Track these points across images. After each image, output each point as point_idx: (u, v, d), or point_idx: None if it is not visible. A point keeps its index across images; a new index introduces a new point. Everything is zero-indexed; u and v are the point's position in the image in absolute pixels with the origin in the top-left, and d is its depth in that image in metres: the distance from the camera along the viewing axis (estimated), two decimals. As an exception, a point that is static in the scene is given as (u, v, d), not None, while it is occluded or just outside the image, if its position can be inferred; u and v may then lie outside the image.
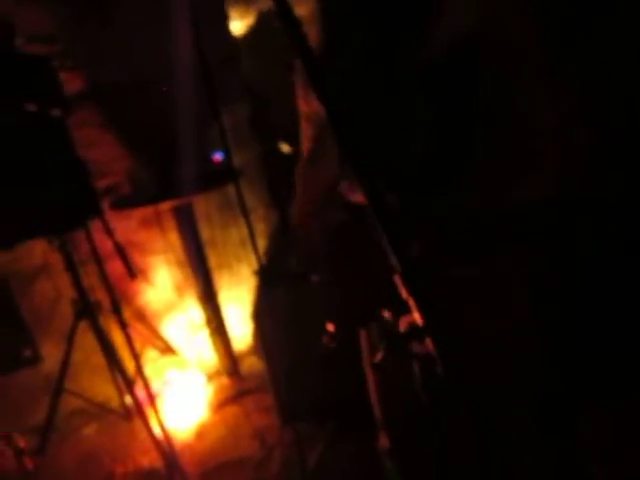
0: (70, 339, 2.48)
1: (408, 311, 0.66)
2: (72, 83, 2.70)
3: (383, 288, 0.72)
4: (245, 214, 2.87)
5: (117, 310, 2.10)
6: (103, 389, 2.84)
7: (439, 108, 0.87)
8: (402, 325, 0.70)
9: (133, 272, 2.14)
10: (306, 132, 1.15)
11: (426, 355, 0.65)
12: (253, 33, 3.52)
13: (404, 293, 0.65)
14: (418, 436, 0.97)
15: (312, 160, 1.11)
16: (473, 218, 0.88)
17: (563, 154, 0.85)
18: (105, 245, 2.39)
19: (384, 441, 1.12)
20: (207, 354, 3.08)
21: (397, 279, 0.65)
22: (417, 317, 0.64)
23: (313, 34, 1.05)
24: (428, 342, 0.62)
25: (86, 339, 2.53)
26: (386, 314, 0.78)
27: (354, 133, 0.73)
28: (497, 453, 0.72)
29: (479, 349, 0.90)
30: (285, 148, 3.31)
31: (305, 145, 1.14)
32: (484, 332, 0.94)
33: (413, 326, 0.65)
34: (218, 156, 2.80)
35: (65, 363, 2.50)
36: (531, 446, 1.08)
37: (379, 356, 0.72)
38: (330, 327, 1.00)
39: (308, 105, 1.11)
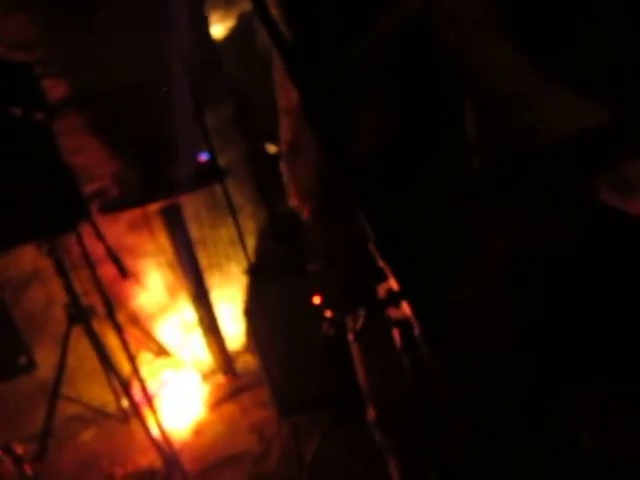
0: (64, 344, 2.49)
1: (385, 279, 0.69)
2: (56, 90, 2.72)
3: (374, 273, 0.74)
4: (233, 213, 2.90)
5: (111, 313, 2.11)
6: (99, 393, 2.84)
7: (402, 85, 0.90)
8: (380, 292, 0.73)
9: (125, 272, 2.15)
10: (285, 125, 1.17)
11: (403, 319, 0.67)
12: (234, 35, 3.55)
13: (379, 260, 0.67)
14: (403, 404, 1.00)
15: (292, 152, 1.13)
16: (451, 181, 0.92)
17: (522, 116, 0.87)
18: (96, 249, 2.40)
19: (371, 413, 1.15)
20: (201, 353, 3.10)
21: (372, 247, 0.68)
22: (393, 283, 0.67)
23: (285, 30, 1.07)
24: (404, 306, 0.65)
25: (80, 344, 2.54)
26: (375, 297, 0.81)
27: (329, 120, 0.76)
28: (482, 419, 0.74)
29: (463, 322, 0.92)
30: (271, 148, 3.34)
31: (284, 137, 1.16)
32: (467, 305, 0.96)
33: (390, 292, 0.68)
34: (203, 156, 2.82)
35: (60, 369, 2.51)
36: (520, 415, 1.11)
37: (359, 323, 0.74)
38: (328, 313, 1.02)
39: (286, 98, 1.13)
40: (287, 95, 1.05)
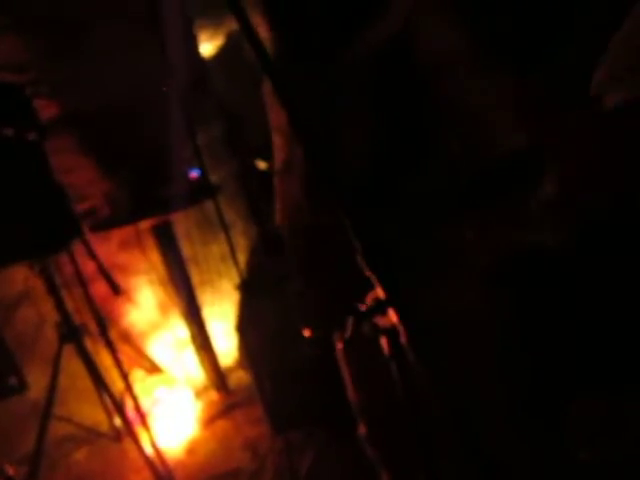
0: (56, 364, 2.48)
1: (371, 289, 0.71)
2: (47, 110, 2.74)
3: (357, 289, 0.76)
4: (225, 229, 2.92)
5: (104, 330, 2.12)
6: (91, 413, 2.83)
7: (382, 101, 0.94)
8: (367, 301, 0.75)
9: (117, 289, 2.16)
10: (277, 143, 1.20)
11: (391, 327, 0.70)
12: (223, 53, 3.59)
13: (366, 271, 0.70)
14: (392, 418, 1.02)
15: (285, 169, 1.16)
16: (432, 193, 0.95)
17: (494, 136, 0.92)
18: (87, 268, 2.41)
19: (362, 428, 1.16)
20: (194, 370, 3.09)
21: (359, 259, 0.70)
22: (380, 292, 0.69)
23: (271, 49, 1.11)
24: (391, 314, 0.67)
25: (72, 363, 2.54)
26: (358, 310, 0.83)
27: (316, 137, 0.79)
28: (468, 426, 0.76)
29: (450, 327, 0.94)
30: (261, 165, 3.37)
31: (278, 155, 1.19)
32: (456, 309, 0.98)
33: (377, 301, 0.70)
34: (194, 173, 2.85)
35: (52, 388, 2.49)
36: (516, 429, 1.12)
37: (347, 332, 0.76)
38: (307, 333, 1.04)
39: (277, 116, 1.17)
40: (278, 114, 1.09)
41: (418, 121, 0.94)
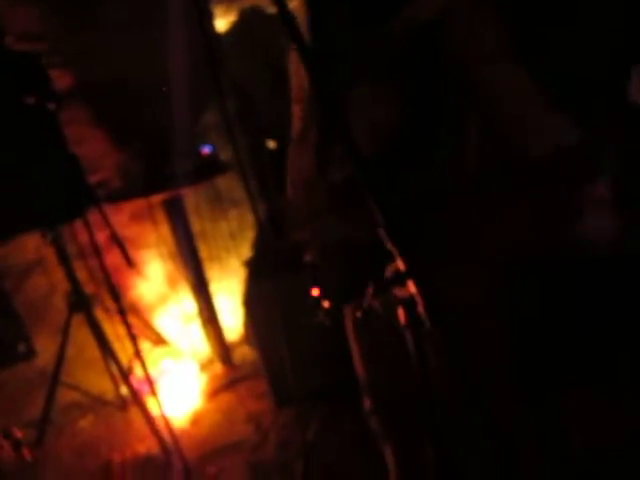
0: (65, 332, 2.52)
1: (393, 260, 0.74)
2: (60, 81, 2.75)
3: (372, 266, 0.78)
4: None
5: (117, 300, 2.15)
6: (98, 381, 2.88)
7: (410, 87, 0.95)
8: (387, 273, 0.78)
9: (130, 260, 2.19)
10: (296, 113, 1.20)
11: (409, 298, 0.72)
12: (236, 30, 3.58)
13: (388, 244, 0.72)
14: (400, 393, 1.04)
15: (300, 139, 1.17)
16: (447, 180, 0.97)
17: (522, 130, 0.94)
18: (98, 238, 2.44)
19: (367, 402, 1.19)
20: (200, 344, 3.14)
21: (381, 232, 0.72)
22: (400, 264, 0.72)
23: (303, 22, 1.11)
24: (410, 285, 0.70)
25: (80, 332, 2.58)
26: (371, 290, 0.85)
27: (340, 110, 0.80)
28: (482, 407, 0.78)
29: (462, 313, 0.97)
30: (271, 143, 3.38)
31: (295, 125, 1.20)
32: (464, 295, 1.01)
33: (397, 272, 0.73)
34: (206, 149, 2.86)
35: (60, 356, 2.54)
36: (515, 409, 1.15)
37: (366, 302, 0.78)
38: (326, 304, 1.06)
39: (298, 85, 1.17)
40: (299, 83, 1.10)
41: (442, 107, 0.96)
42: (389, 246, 0.72)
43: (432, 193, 0.99)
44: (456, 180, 0.99)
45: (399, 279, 0.72)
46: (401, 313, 0.78)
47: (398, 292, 0.76)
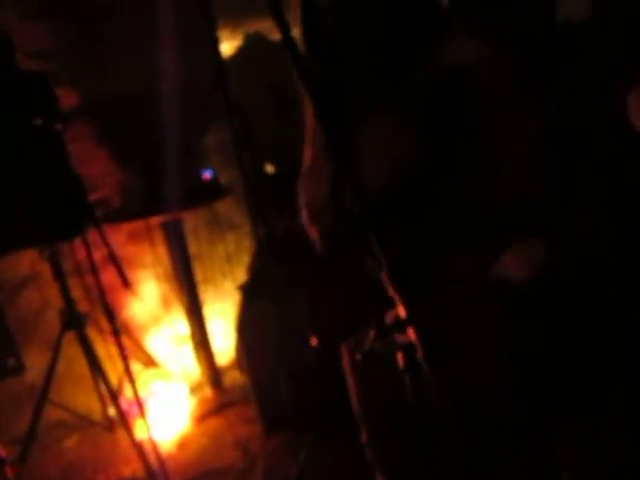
0: (56, 349, 2.51)
1: (394, 306, 0.75)
2: (66, 98, 2.78)
3: (370, 301, 0.79)
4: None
5: (112, 319, 2.15)
6: (86, 401, 2.86)
7: (431, 127, 0.98)
8: (388, 319, 0.79)
9: (127, 281, 2.20)
10: (308, 150, 1.22)
11: (408, 344, 0.74)
12: (240, 54, 3.64)
13: (390, 289, 0.74)
14: (397, 430, 1.05)
15: (312, 170, 1.19)
16: (460, 219, 0.99)
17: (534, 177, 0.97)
18: (94, 256, 2.44)
19: (364, 436, 1.20)
20: (191, 367, 3.12)
21: (384, 276, 0.74)
22: (401, 310, 0.73)
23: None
24: (410, 332, 0.71)
25: (71, 350, 2.57)
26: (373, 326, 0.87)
27: (346, 143, 0.82)
28: (474, 446, 0.80)
29: (460, 352, 0.98)
30: (269, 168, 3.42)
31: (306, 159, 1.22)
32: (465, 335, 1.02)
33: (397, 319, 0.74)
34: (207, 174, 2.89)
35: (50, 373, 2.52)
36: (507, 449, 1.15)
37: (367, 344, 0.79)
38: (314, 341, 1.07)
39: (311, 115, 1.19)
40: (312, 119, 1.12)
41: (457, 152, 0.98)
42: (390, 292, 0.74)
43: (440, 229, 1.01)
44: (462, 218, 1.01)
45: (399, 325, 0.73)
46: (400, 358, 0.79)
47: (398, 337, 0.78)
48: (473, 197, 1.00)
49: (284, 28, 0.76)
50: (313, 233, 1.16)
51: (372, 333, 0.76)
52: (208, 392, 3.05)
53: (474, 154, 0.99)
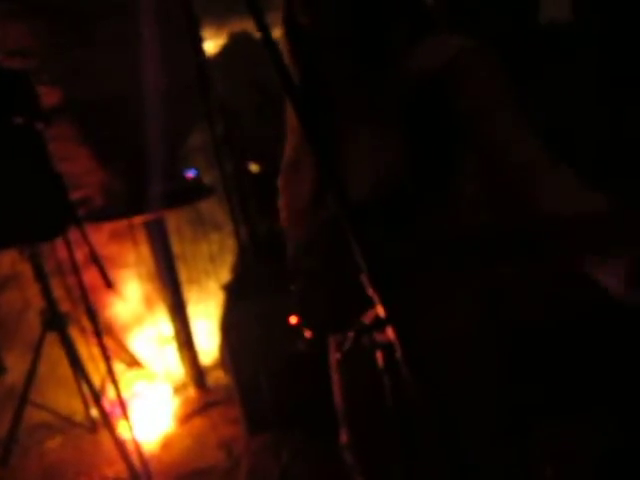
0: (37, 350, 2.48)
1: (373, 306, 0.76)
2: (48, 98, 2.75)
3: (359, 297, 0.79)
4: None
5: (94, 319, 2.13)
6: (68, 402, 2.83)
7: (414, 135, 0.98)
8: (367, 318, 0.80)
9: (109, 282, 2.18)
10: (290, 141, 1.22)
11: (388, 343, 0.74)
12: (225, 53, 3.63)
13: (369, 290, 0.74)
14: (378, 430, 1.06)
15: (293, 169, 1.18)
16: (442, 235, 1.00)
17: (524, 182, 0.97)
18: (76, 256, 2.42)
19: (343, 437, 1.20)
20: (174, 367, 3.11)
21: (364, 277, 0.75)
22: (380, 310, 0.74)
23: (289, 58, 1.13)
24: (389, 332, 0.72)
25: (53, 351, 2.54)
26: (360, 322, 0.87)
27: (327, 150, 0.83)
28: (457, 445, 0.80)
29: (442, 350, 0.99)
30: (253, 167, 3.41)
31: (288, 154, 1.21)
32: (447, 334, 1.03)
33: (377, 318, 0.75)
34: (191, 173, 2.88)
35: (31, 374, 2.49)
36: (490, 444, 1.17)
37: (347, 344, 0.80)
38: (307, 334, 1.07)
39: (293, 116, 1.18)
40: (294, 115, 1.11)
41: (444, 157, 0.98)
42: (370, 292, 0.75)
43: (426, 244, 1.01)
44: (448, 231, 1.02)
45: (379, 325, 0.74)
46: (379, 357, 0.80)
47: (377, 336, 0.79)
48: (454, 208, 1.00)
49: (263, 28, 0.76)
50: (293, 236, 1.16)
51: (351, 333, 0.77)
52: (192, 392, 3.05)
53: (458, 162, 0.99)
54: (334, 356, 1.13)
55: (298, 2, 1.02)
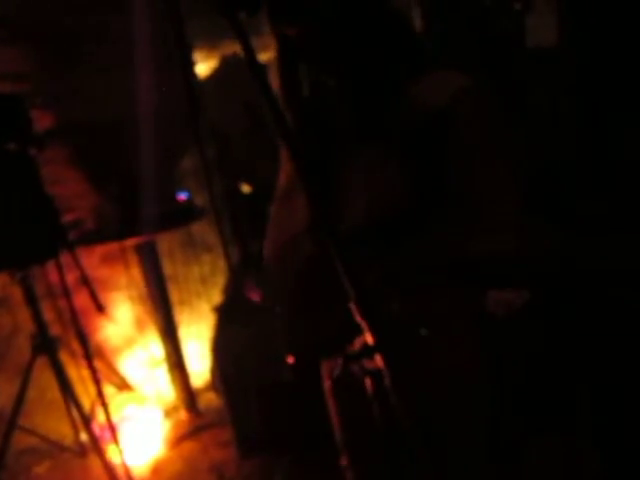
0: (26, 374, 2.46)
1: (362, 333, 0.77)
2: (40, 121, 2.76)
3: (347, 323, 0.81)
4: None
5: (84, 343, 2.12)
6: (57, 426, 2.80)
7: (413, 162, 1.00)
8: (356, 345, 0.81)
9: (100, 305, 2.18)
10: (284, 170, 1.23)
11: (376, 370, 0.75)
12: (216, 76, 3.67)
13: (358, 317, 0.76)
14: (375, 453, 1.07)
15: (288, 196, 1.19)
16: (428, 259, 1.02)
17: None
18: (67, 279, 2.41)
19: (343, 459, 1.20)
20: (165, 389, 3.09)
21: (352, 305, 0.76)
22: (369, 338, 0.75)
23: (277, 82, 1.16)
24: (377, 359, 0.73)
25: (42, 374, 2.52)
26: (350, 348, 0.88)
27: (314, 174, 0.84)
28: (444, 468, 0.81)
29: (436, 380, 1.00)
30: (245, 188, 3.44)
31: (281, 182, 1.22)
32: (436, 361, 1.04)
33: (365, 346, 0.76)
34: (182, 196, 2.90)
35: (19, 399, 2.47)
36: (480, 467, 1.17)
37: (337, 371, 0.81)
38: (290, 360, 1.08)
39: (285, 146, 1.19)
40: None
41: (440, 189, 1.01)
42: (358, 320, 0.76)
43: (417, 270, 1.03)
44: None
45: (368, 352, 0.75)
46: (369, 384, 0.81)
47: (367, 363, 0.80)
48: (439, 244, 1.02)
49: (250, 52, 0.79)
50: (276, 272, 1.15)
51: (341, 360, 0.77)
52: (183, 415, 3.02)
53: (457, 192, 1.02)
54: (327, 382, 1.14)
55: (297, 40, 1.04)
